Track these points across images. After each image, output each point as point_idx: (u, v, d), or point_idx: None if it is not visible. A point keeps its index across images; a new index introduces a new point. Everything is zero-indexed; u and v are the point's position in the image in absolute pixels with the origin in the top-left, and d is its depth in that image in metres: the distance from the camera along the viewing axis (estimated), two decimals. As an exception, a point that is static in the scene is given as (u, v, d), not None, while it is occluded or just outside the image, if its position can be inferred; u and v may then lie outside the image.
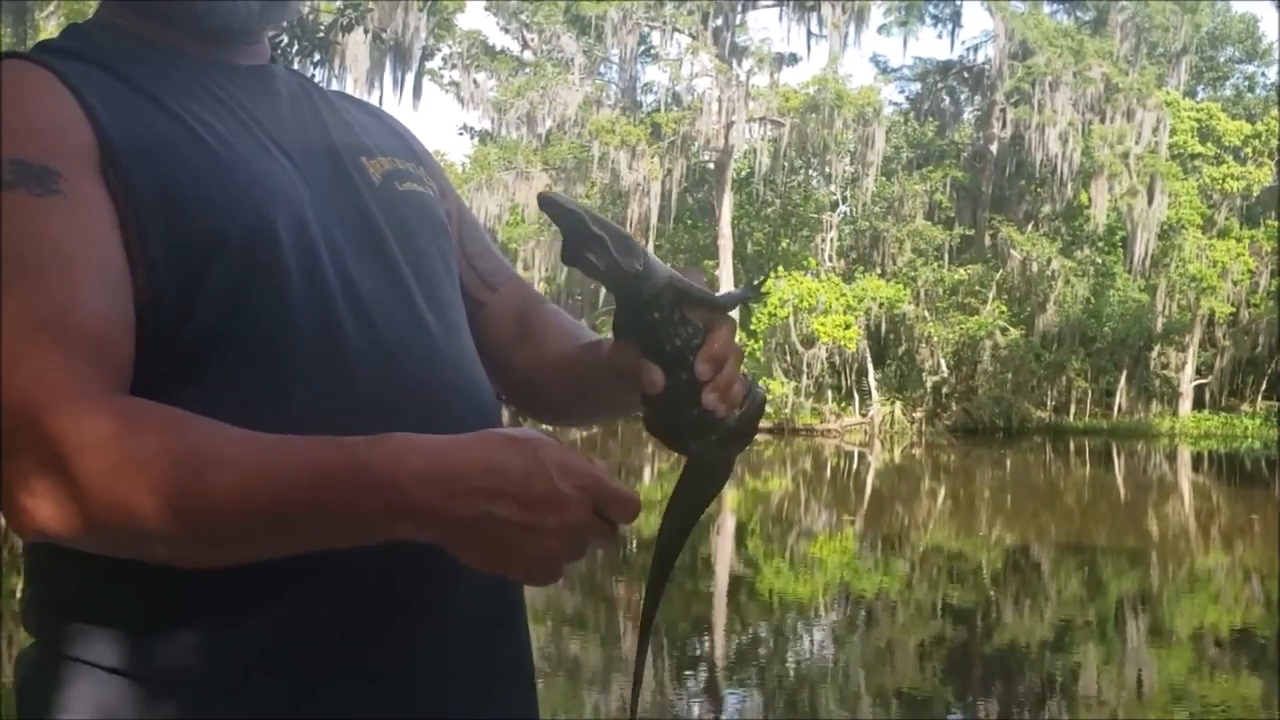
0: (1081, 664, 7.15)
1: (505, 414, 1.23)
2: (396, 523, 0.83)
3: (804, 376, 31.09)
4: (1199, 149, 32.81)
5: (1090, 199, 32.00)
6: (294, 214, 0.98)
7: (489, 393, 1.09)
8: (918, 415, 32.59)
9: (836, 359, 31.47)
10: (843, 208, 36.67)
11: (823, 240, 35.59)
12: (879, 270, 33.90)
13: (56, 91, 0.94)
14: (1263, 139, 32.56)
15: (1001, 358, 32.09)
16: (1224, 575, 10.72)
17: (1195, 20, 36.28)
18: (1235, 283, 31.37)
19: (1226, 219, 32.83)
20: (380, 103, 27.02)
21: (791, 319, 30.65)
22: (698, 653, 7.58)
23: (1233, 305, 31.53)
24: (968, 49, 41.01)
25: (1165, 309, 32.46)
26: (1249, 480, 21.18)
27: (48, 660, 0.95)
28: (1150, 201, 31.07)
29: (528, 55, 35.49)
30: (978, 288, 33.07)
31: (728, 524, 14.17)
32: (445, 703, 0.99)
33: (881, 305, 31.55)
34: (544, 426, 1.18)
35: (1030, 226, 34.11)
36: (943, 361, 32.46)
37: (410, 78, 27.91)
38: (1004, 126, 33.99)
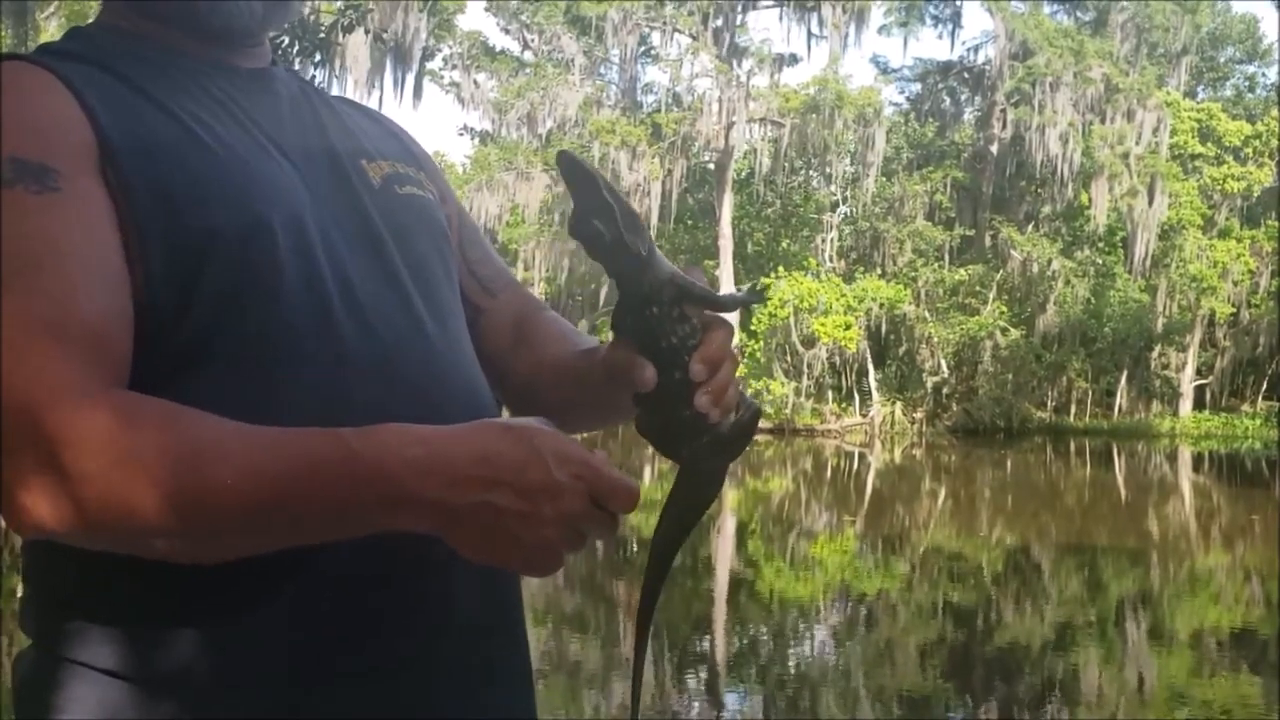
0: (1082, 664, 7.15)
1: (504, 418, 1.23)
2: (392, 513, 0.84)
3: (804, 377, 31.09)
4: (1199, 149, 32.82)
5: (1090, 199, 32.01)
6: (292, 215, 0.98)
7: (487, 396, 1.08)
8: (918, 416, 32.60)
9: (837, 359, 31.48)
10: (843, 208, 36.68)
11: (823, 241, 35.61)
12: (879, 271, 33.91)
13: (56, 91, 0.94)
14: (1263, 139, 32.56)
15: (1002, 358, 32.10)
16: (1224, 576, 10.72)
17: (1195, 21, 36.28)
18: (1236, 283, 31.37)
19: (1227, 219, 32.83)
20: (380, 103, 27.05)
21: (792, 319, 30.65)
22: (698, 653, 7.58)
23: (1233, 305, 31.54)
24: (968, 49, 41.01)
25: (1165, 309, 32.47)
26: (1249, 481, 21.18)
27: (45, 662, 0.95)
28: (1150, 202, 31.08)
29: (528, 56, 35.52)
30: (978, 288, 33.08)
31: (728, 524, 14.17)
32: (444, 701, 0.99)
33: (882, 306, 31.56)
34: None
35: (1031, 227, 34.12)
36: (943, 362, 32.47)
37: (411, 78, 27.93)
38: (1004, 127, 34.00)
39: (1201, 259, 31.30)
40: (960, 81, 36.91)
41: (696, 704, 6.20)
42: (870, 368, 31.83)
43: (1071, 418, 33.21)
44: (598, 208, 0.89)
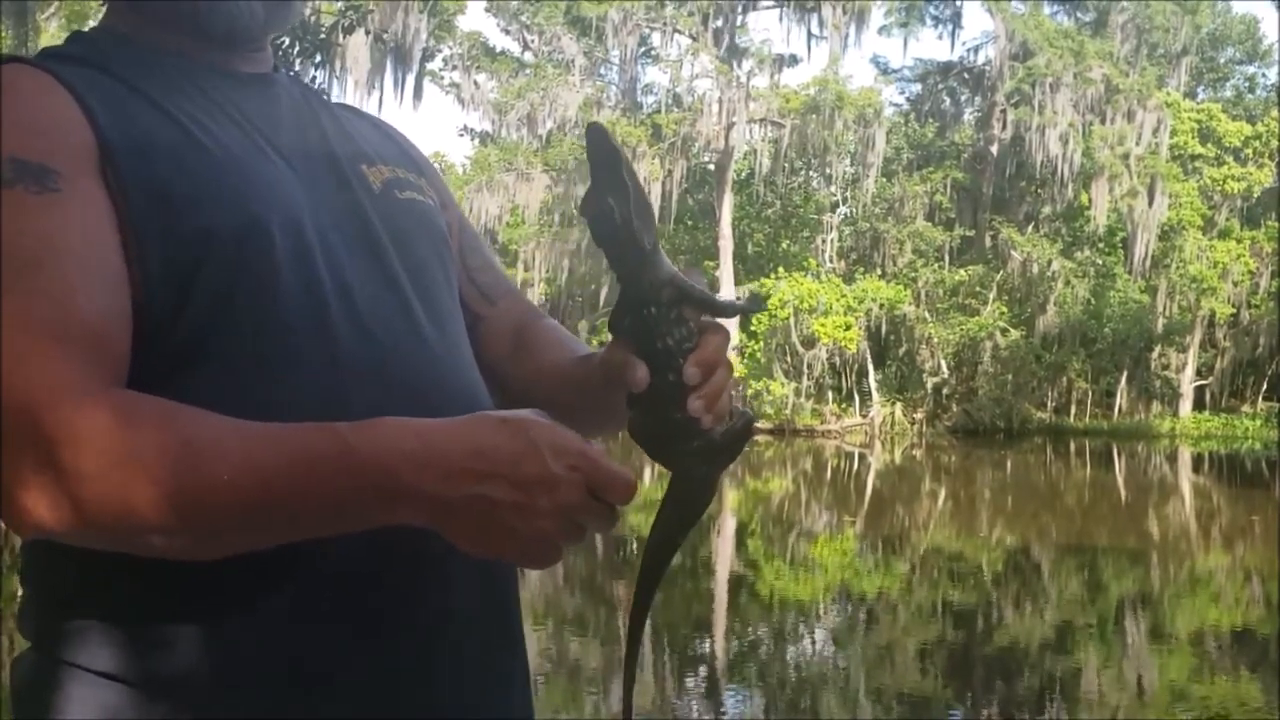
0: (1082, 665, 7.15)
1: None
2: (389, 507, 0.84)
3: (804, 377, 31.10)
4: (1199, 150, 32.82)
5: (1091, 200, 32.01)
6: (290, 217, 0.98)
7: (485, 401, 1.08)
8: (918, 416, 32.61)
9: (837, 360, 31.48)
10: (843, 209, 36.69)
11: (823, 241, 35.61)
12: (879, 271, 33.93)
13: (56, 93, 0.94)
14: (1263, 140, 32.57)
15: (1002, 359, 32.11)
16: (1224, 576, 10.72)
17: (1195, 21, 36.29)
18: (1236, 284, 31.38)
19: (1227, 220, 32.83)
20: (380, 104, 27.06)
21: (792, 320, 30.66)
22: (698, 653, 7.59)
23: (1233, 306, 31.54)
24: (968, 50, 40.97)
25: (1165, 310, 32.47)
26: (1249, 481, 21.18)
27: (44, 664, 0.95)
28: (1150, 202, 31.08)
29: (528, 56, 35.53)
30: (978, 289, 33.08)
31: (728, 524, 14.17)
32: (442, 701, 1.00)
33: (882, 306, 31.56)
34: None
35: (1031, 227, 34.13)
36: (943, 362, 32.47)
37: (411, 79, 27.93)
38: (1004, 127, 34.01)
39: (1201, 260, 31.30)
40: (960, 82, 36.92)
41: (696, 705, 6.20)
42: (870, 368, 31.84)
43: (1071, 418, 33.22)
44: (615, 186, 0.89)
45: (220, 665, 0.92)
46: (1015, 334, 32.13)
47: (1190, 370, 32.64)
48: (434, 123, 77.88)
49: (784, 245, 36.16)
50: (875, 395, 32.08)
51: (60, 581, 0.96)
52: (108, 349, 0.88)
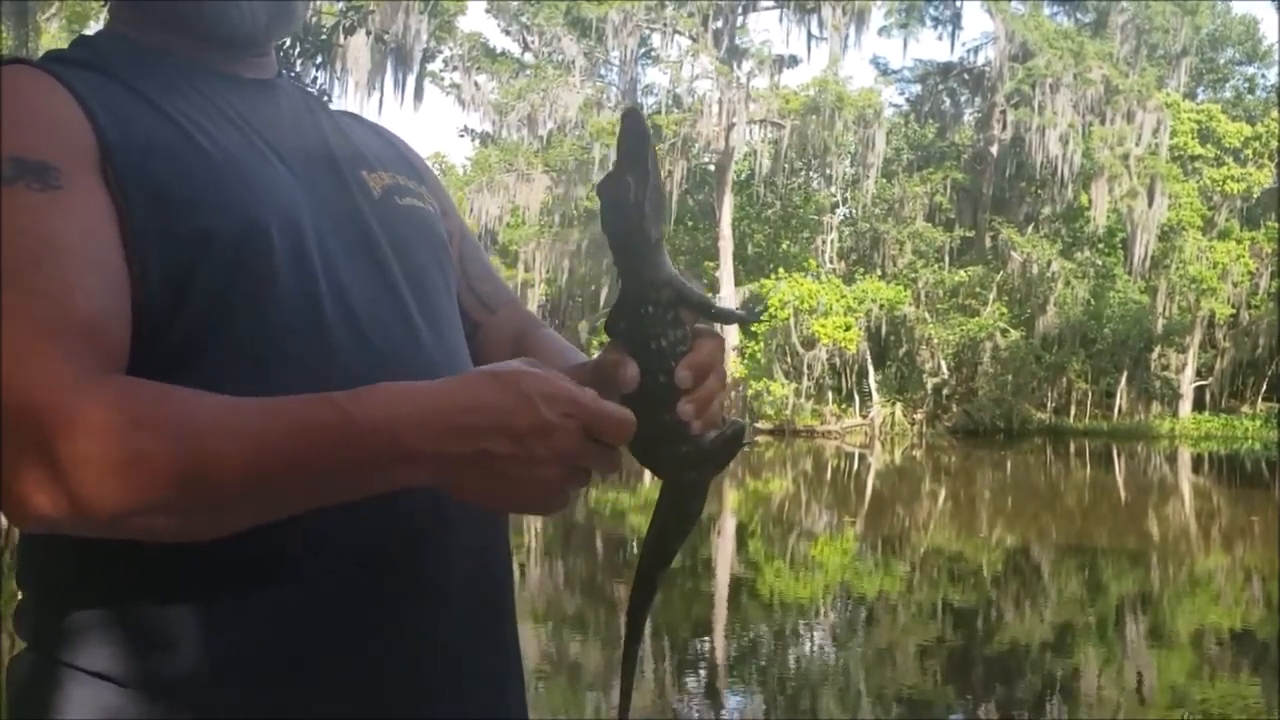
0: (1082, 665, 7.15)
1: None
2: (390, 470, 0.85)
3: (804, 378, 31.11)
4: (1199, 151, 32.83)
5: (1090, 200, 32.02)
6: (289, 220, 0.98)
7: None
8: (918, 417, 32.61)
9: (837, 360, 31.48)
10: (843, 209, 36.69)
11: (823, 242, 35.61)
12: (879, 272, 33.93)
13: (57, 93, 0.95)
14: (1263, 140, 32.58)
15: (1002, 359, 32.11)
16: (1224, 577, 10.72)
17: (1195, 22, 36.31)
18: (1235, 284, 31.39)
19: (1227, 221, 32.84)
20: (381, 105, 27.08)
21: (792, 320, 30.66)
22: (698, 654, 7.59)
23: (1233, 307, 31.55)
24: (968, 51, 41.01)
25: (1165, 310, 32.48)
26: (1249, 482, 21.18)
27: (41, 664, 0.95)
28: (1150, 203, 31.09)
29: (528, 57, 35.55)
30: (978, 289, 33.08)
31: (728, 525, 14.18)
32: (439, 702, 1.00)
33: (882, 307, 31.57)
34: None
35: (1030, 228, 34.13)
36: (943, 363, 32.48)
37: (411, 80, 27.95)
38: (1004, 128, 34.02)
39: (1201, 260, 31.31)
40: (960, 83, 36.92)
41: (696, 705, 6.21)
42: (870, 369, 31.85)
43: (1071, 419, 33.22)
44: (638, 168, 0.90)
45: (218, 665, 0.92)
46: (1015, 334, 32.14)
47: (1190, 371, 32.64)
48: (434, 123, 77.97)
49: (784, 246, 36.17)
50: (875, 396, 32.09)
51: (57, 581, 0.96)
52: (106, 345, 0.88)
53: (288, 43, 7.67)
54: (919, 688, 6.65)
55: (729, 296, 31.95)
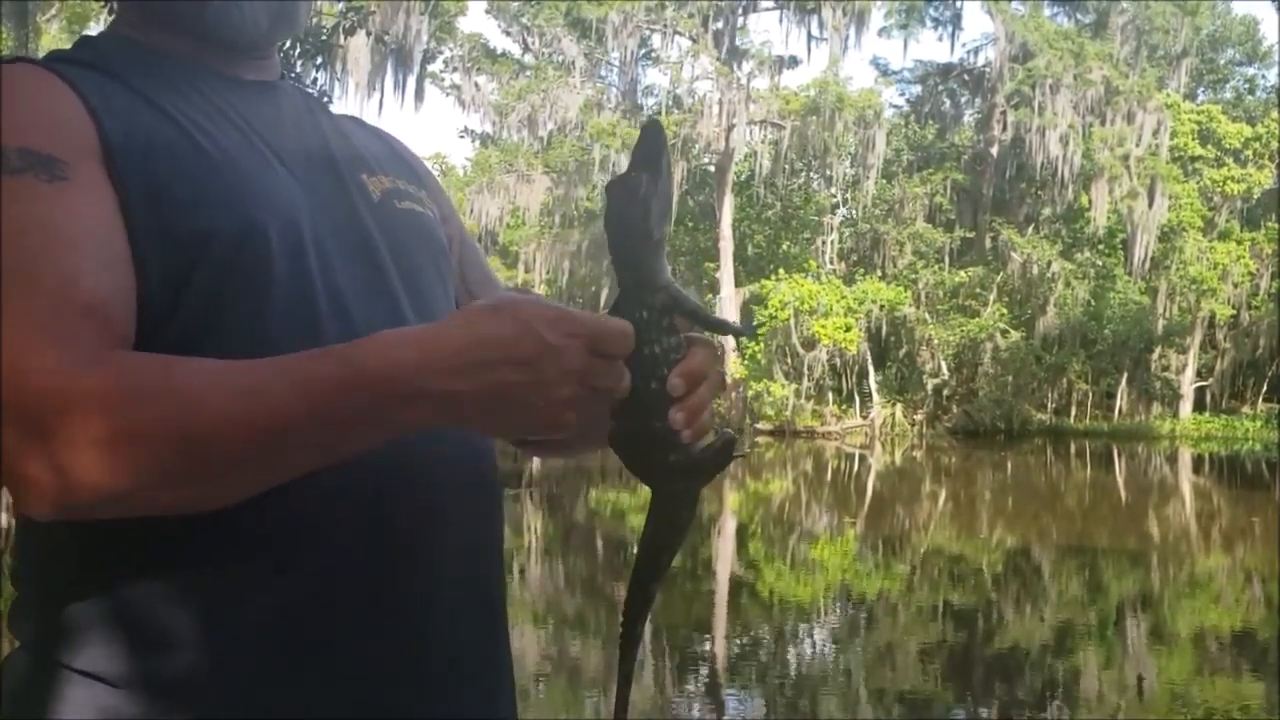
0: (1082, 666, 7.16)
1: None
2: (398, 413, 0.85)
3: (805, 379, 31.11)
4: (1199, 151, 32.84)
5: (1091, 201, 32.03)
6: (288, 222, 0.99)
7: None
8: (918, 417, 32.62)
9: (837, 361, 31.49)
10: (843, 210, 36.70)
11: (823, 243, 35.62)
12: (880, 272, 33.94)
13: (61, 91, 0.96)
14: (1263, 141, 32.59)
15: (1002, 360, 32.12)
16: (1225, 577, 10.72)
17: (1195, 23, 36.32)
18: (1236, 285, 31.40)
19: (1227, 221, 32.85)
20: (381, 105, 27.09)
21: (792, 321, 30.67)
22: (698, 654, 7.59)
23: (1233, 307, 31.56)
24: (968, 51, 41.07)
25: (1166, 311, 32.49)
26: (1249, 482, 21.18)
27: (38, 664, 0.95)
28: (1150, 204, 31.10)
29: (529, 58, 35.56)
30: (978, 290, 33.09)
31: (728, 525, 14.18)
32: (436, 702, 1.01)
33: (882, 307, 31.58)
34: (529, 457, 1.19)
35: (1031, 229, 34.14)
36: (943, 364, 32.48)
37: (412, 81, 27.99)
38: (1004, 129, 34.03)
39: (1201, 261, 31.32)
40: (960, 84, 36.93)
41: (697, 706, 6.21)
42: (870, 369, 31.85)
43: (1072, 419, 33.23)
44: (651, 170, 0.91)
45: (214, 665, 0.92)
46: (1015, 335, 32.14)
47: (1190, 371, 32.65)
48: (435, 124, 77.98)
49: (784, 247, 36.17)
50: (875, 396, 32.09)
51: (53, 581, 0.96)
52: (113, 328, 0.89)
53: (288, 43, 7.68)
54: (919, 688, 6.65)
55: (729, 297, 31.97)
